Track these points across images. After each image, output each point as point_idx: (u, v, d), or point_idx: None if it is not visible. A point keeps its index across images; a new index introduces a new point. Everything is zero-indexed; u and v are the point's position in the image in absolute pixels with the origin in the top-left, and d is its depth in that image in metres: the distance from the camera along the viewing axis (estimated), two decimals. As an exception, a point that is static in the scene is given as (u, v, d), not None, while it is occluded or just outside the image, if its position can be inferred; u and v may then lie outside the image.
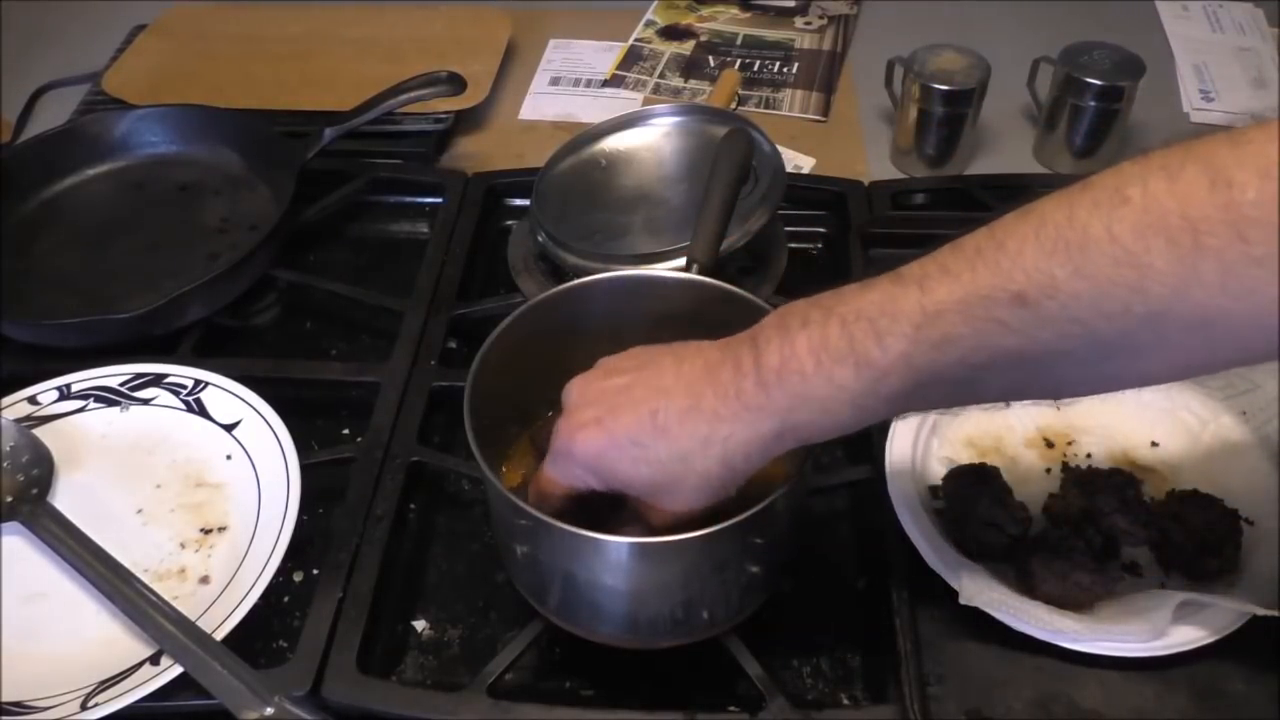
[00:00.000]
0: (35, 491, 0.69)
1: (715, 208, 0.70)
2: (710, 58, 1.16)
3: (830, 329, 0.46)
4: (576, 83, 1.13)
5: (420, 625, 0.67)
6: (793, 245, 0.86)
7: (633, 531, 0.55)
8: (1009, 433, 0.72)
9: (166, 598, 0.62)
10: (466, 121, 1.05)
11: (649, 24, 1.22)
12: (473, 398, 0.58)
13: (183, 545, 0.68)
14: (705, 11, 1.24)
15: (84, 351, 0.78)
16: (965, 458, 0.70)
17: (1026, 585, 0.62)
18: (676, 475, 0.51)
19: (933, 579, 0.62)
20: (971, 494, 0.65)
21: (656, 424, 0.50)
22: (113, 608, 0.62)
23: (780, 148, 0.84)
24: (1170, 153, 0.40)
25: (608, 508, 0.56)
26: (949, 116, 0.95)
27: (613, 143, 0.87)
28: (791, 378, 0.47)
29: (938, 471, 0.69)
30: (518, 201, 0.94)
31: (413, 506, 0.72)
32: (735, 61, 1.15)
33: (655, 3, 1.25)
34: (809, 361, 0.46)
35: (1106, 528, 0.64)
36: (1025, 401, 0.69)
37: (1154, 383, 0.46)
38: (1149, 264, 0.39)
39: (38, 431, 0.73)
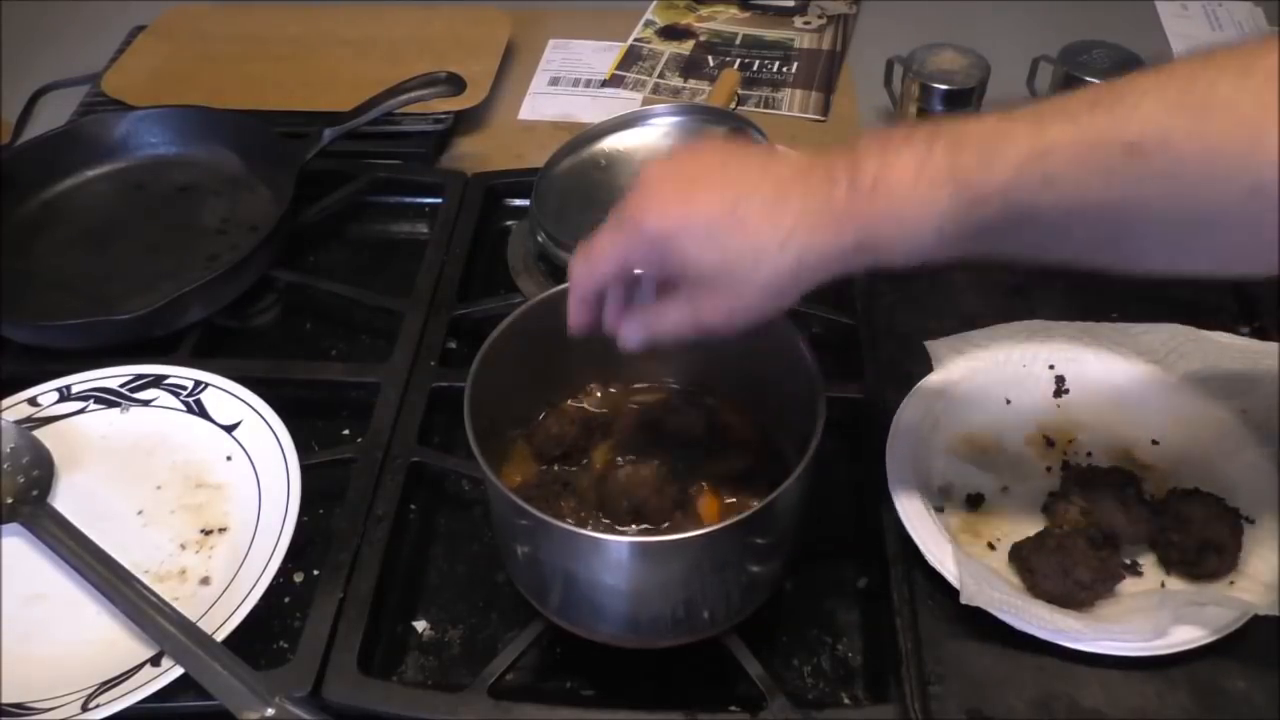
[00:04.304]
0: (35, 493, 0.69)
1: (715, 207, 0.69)
2: (709, 57, 1.16)
3: (936, 149, 0.45)
4: (576, 83, 1.13)
5: (421, 626, 0.67)
6: (792, 245, 0.85)
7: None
8: (1010, 431, 0.72)
9: (167, 599, 0.62)
10: (466, 122, 1.05)
11: (648, 24, 1.22)
12: (473, 398, 0.58)
13: (183, 546, 0.68)
14: (704, 11, 1.23)
15: (84, 353, 0.78)
16: (966, 456, 0.70)
17: (1027, 584, 0.62)
18: (746, 269, 0.49)
19: (933, 578, 0.62)
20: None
21: (736, 214, 0.48)
22: (113, 609, 0.62)
23: (780, 147, 0.84)
24: None
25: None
26: (948, 116, 0.95)
27: (612, 143, 0.87)
28: (886, 191, 0.46)
29: (939, 470, 0.69)
30: (517, 201, 0.94)
31: (413, 507, 0.72)
32: (734, 61, 1.15)
33: (654, 3, 1.25)
34: (907, 176, 0.45)
35: (1107, 526, 0.64)
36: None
37: (1234, 270, 0.46)
38: (1263, 135, 0.39)
39: (38, 433, 0.73)
